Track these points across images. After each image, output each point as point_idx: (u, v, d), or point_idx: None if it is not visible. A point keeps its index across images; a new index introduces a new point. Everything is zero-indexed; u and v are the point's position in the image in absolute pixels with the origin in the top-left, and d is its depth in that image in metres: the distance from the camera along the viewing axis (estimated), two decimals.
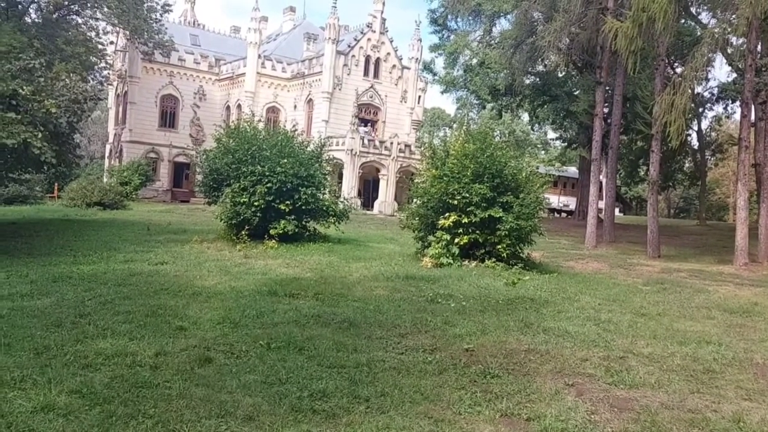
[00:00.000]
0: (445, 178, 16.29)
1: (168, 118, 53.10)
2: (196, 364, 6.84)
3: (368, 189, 45.66)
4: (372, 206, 43.73)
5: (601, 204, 32.37)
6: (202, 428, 5.19)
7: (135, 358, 6.90)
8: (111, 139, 55.02)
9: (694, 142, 44.08)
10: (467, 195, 15.68)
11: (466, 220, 15.73)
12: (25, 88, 14.89)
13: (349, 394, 6.16)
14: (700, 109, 42.64)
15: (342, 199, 22.05)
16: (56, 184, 41.21)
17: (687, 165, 48.67)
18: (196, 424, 5.26)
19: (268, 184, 18.29)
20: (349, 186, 41.39)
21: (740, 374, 7.57)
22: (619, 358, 7.97)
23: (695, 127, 42.56)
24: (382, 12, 48.62)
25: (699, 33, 26.75)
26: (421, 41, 50.17)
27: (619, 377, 7.16)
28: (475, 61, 45.70)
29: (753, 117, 24.35)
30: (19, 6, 27.27)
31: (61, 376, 6.13)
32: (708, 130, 47.85)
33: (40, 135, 14.86)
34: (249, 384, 6.29)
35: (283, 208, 18.51)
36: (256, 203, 18.22)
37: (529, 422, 5.76)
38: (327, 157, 22.61)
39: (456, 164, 16.27)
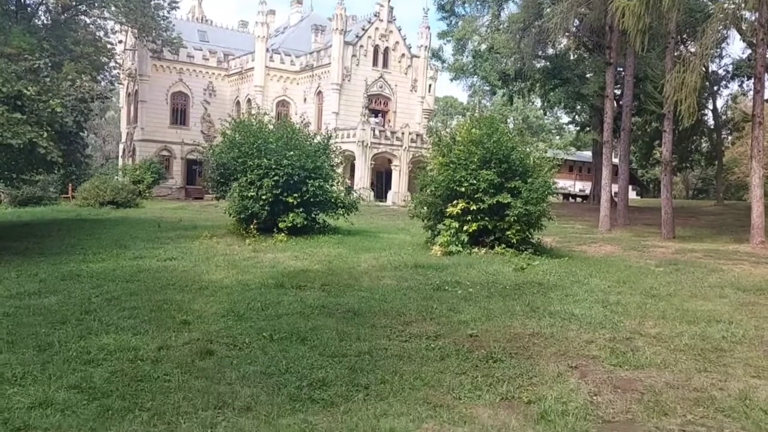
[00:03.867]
0: (451, 165, 16.14)
1: (179, 116, 53.32)
2: (198, 357, 6.86)
3: (381, 180, 45.52)
4: (385, 197, 43.63)
5: (616, 187, 31.96)
6: (198, 420, 5.20)
7: (137, 352, 6.93)
8: (124, 138, 55.42)
9: (710, 121, 43.25)
10: (474, 182, 15.52)
11: (474, 207, 15.58)
12: (30, 88, 14.94)
13: (348, 382, 6.14)
14: (715, 88, 41.82)
15: (353, 191, 21.95)
16: (70, 184, 41.53)
17: (704, 145, 47.79)
18: (193, 415, 5.28)
19: (275, 177, 18.25)
20: (361, 178, 41.30)
21: (749, 352, 7.42)
22: (625, 339, 7.86)
23: (710, 106, 41.76)
24: (389, 1, 48.25)
25: (711, 8, 26.20)
26: (429, 29, 49.59)
27: (624, 358, 7.06)
28: (483, 46, 45.31)
29: (767, 93, 23.78)
30: (28, 9, 27.42)
31: (62, 372, 6.18)
32: (724, 108, 46.88)
33: (45, 135, 14.91)
34: (249, 375, 6.29)
35: (291, 200, 18.46)
36: (263, 197, 18.21)
37: (529, 405, 5.70)
38: (335, 149, 22.48)
39: (462, 151, 16.12)
